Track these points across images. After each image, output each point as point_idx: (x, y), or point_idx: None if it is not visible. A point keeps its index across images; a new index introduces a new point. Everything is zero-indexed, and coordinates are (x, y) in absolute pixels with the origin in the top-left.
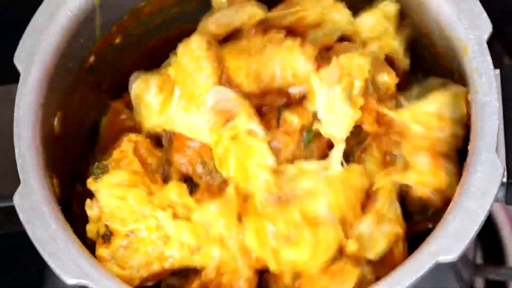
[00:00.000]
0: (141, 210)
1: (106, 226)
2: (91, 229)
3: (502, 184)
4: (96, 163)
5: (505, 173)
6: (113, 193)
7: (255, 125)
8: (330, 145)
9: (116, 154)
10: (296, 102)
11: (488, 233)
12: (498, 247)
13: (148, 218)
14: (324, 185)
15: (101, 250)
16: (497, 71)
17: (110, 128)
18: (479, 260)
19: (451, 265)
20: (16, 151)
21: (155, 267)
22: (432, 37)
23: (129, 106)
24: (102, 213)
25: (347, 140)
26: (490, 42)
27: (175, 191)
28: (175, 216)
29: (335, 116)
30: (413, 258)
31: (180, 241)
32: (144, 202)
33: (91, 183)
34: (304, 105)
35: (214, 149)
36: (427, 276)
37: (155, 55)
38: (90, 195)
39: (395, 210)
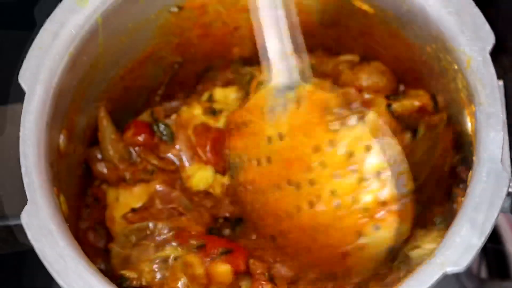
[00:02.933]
0: None
1: None
2: None
3: (508, 194)
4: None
5: (511, 183)
6: None
7: None
8: None
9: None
10: None
11: (493, 247)
12: (503, 261)
13: None
14: None
15: None
16: (501, 82)
17: None
18: (483, 274)
19: (456, 280)
20: (23, 169)
21: None
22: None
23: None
24: None
25: None
26: (494, 54)
27: None
28: None
29: None
30: (421, 270)
31: None
32: None
33: None
34: None
35: None
36: None
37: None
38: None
39: None
